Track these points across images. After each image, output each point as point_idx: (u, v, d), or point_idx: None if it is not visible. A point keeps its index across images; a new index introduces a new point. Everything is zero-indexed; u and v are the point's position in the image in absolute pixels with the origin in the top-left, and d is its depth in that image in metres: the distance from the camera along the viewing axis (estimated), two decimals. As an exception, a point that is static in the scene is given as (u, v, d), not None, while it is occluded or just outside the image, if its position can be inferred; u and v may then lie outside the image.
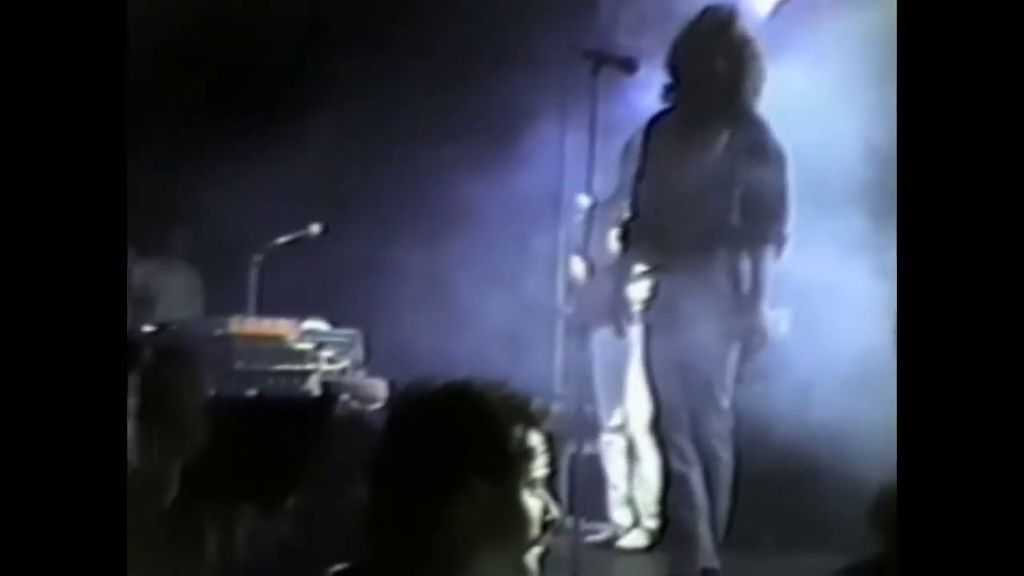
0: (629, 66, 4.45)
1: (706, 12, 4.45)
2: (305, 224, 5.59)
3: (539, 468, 2.00)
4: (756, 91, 4.37)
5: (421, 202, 6.23)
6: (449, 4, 5.91)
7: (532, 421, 2.01)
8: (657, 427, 4.48)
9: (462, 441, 1.99)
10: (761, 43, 4.42)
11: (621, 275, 4.47)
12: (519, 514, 1.98)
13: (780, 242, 4.32)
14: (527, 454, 1.99)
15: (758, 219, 4.28)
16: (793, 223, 4.32)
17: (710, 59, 4.35)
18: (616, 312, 4.51)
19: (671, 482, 4.40)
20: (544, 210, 5.07)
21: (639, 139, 4.52)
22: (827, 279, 4.51)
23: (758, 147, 4.31)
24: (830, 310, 4.60)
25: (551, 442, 2.02)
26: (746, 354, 4.33)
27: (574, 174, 4.63)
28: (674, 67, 4.42)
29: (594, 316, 4.69)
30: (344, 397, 4.51)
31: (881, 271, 4.16)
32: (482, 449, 1.99)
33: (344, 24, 6.27)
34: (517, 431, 1.99)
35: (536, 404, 2.04)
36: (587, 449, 4.94)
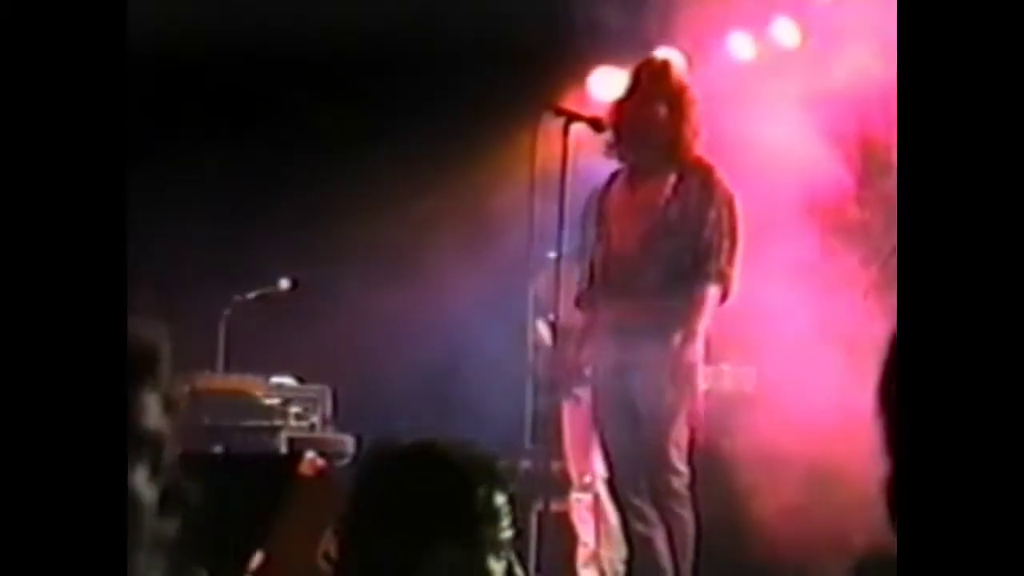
0: (597, 126, 4.50)
1: (641, 65, 4.56)
2: (274, 279, 5.58)
3: (504, 530, 2.00)
4: (696, 135, 4.44)
5: (389, 259, 6.23)
6: (424, 53, 5.91)
7: (498, 481, 2.01)
8: (614, 489, 4.49)
9: (427, 501, 1.99)
10: (694, 90, 4.51)
11: (578, 338, 4.51)
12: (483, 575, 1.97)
13: (722, 280, 4.32)
14: (492, 515, 1.98)
15: (703, 260, 4.32)
16: (736, 262, 4.34)
17: (650, 108, 4.42)
18: (572, 375, 4.56)
19: (634, 545, 4.39)
20: (514, 268, 5.05)
21: (595, 200, 4.60)
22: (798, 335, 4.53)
23: (706, 191, 4.37)
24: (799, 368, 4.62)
25: (515, 503, 2.02)
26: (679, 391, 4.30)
27: (546, 231, 4.59)
28: (616, 123, 4.49)
29: (562, 375, 4.70)
30: (310, 454, 4.47)
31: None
32: (448, 509, 1.98)
33: (314, 75, 6.25)
34: (482, 492, 1.98)
35: (502, 464, 2.04)
36: (557, 506, 4.96)
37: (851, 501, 3.73)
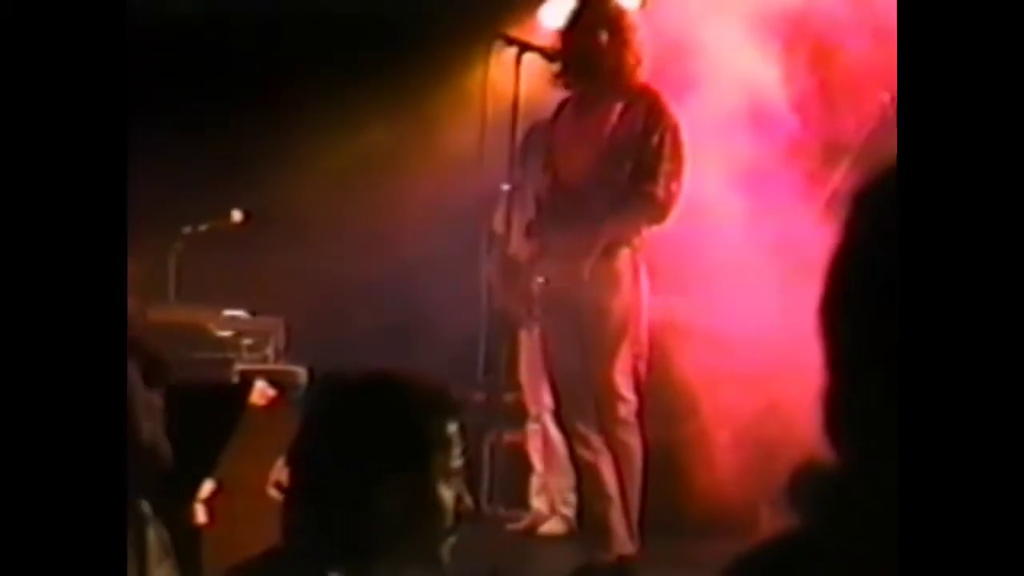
0: (550, 55, 4.52)
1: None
2: (227, 211, 5.52)
3: (455, 458, 2.02)
4: (639, 61, 4.48)
5: (342, 192, 6.16)
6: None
7: (448, 410, 2.02)
8: (559, 417, 4.53)
9: (378, 430, 2.00)
10: (636, 16, 4.55)
11: (528, 269, 4.55)
12: (434, 504, 1.99)
13: (659, 200, 4.37)
14: (443, 444, 2.00)
15: (642, 181, 4.39)
16: (676, 189, 4.38)
17: (592, 36, 4.46)
18: (524, 306, 4.59)
19: (581, 471, 4.42)
20: (467, 200, 5.03)
21: (541, 130, 4.63)
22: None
23: (651, 117, 4.41)
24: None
25: (466, 432, 2.04)
26: None
27: (501, 163, 4.58)
28: (562, 53, 4.52)
29: (514, 306, 4.72)
30: (261, 383, 4.46)
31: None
32: (398, 438, 2.00)
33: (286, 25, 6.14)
34: (433, 420, 2.00)
35: (452, 393, 2.05)
36: (511, 437, 4.98)
37: (792, 421, 3.74)
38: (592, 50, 4.45)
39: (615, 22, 4.47)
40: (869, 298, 1.17)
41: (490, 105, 4.38)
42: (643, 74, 4.48)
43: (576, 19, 4.52)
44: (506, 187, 4.61)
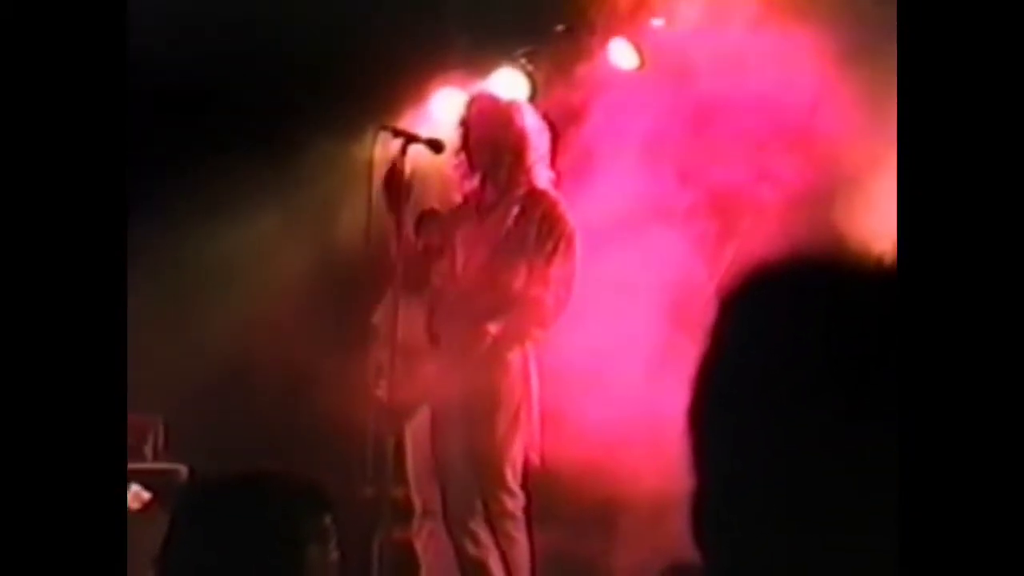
0: (436, 147, 4.53)
1: (472, 101, 4.71)
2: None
3: (330, 552, 2.01)
4: (531, 170, 4.55)
5: (225, 282, 6.07)
6: (269, 67, 5.79)
7: (322, 506, 2.03)
8: (446, 512, 4.50)
9: (252, 528, 1.99)
10: (537, 118, 4.64)
11: (418, 363, 4.56)
12: None
13: (542, 308, 4.43)
14: (318, 539, 1.99)
15: (530, 283, 4.44)
16: (565, 293, 4.45)
17: (484, 144, 4.54)
18: (413, 401, 4.60)
19: (467, 570, 4.39)
20: (355, 293, 4.96)
21: (439, 220, 4.69)
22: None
23: (546, 223, 4.46)
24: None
25: (339, 526, 2.02)
26: None
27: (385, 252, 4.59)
28: (461, 148, 4.60)
29: (404, 401, 4.67)
30: (135, 487, 4.31)
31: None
32: (272, 536, 1.99)
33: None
34: (307, 517, 1.99)
35: (326, 489, 2.05)
36: (400, 534, 4.88)
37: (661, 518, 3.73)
38: (484, 156, 4.51)
39: (505, 132, 4.52)
40: (738, 400, 1.16)
41: (376, 196, 4.40)
42: (537, 173, 4.53)
43: (468, 123, 4.59)
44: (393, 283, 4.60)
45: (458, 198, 4.68)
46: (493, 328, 4.38)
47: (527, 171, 4.51)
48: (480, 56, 5.57)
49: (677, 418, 1.19)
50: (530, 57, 5.58)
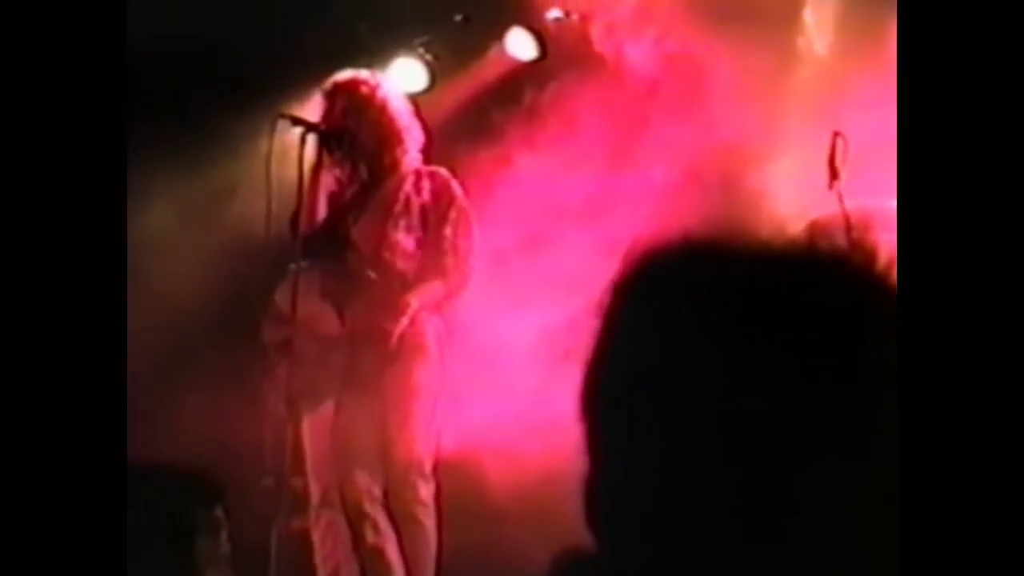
0: (337, 137, 4.56)
1: (333, 88, 4.68)
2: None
3: (222, 544, 2.03)
4: (406, 150, 4.61)
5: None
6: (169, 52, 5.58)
7: (212, 496, 1.99)
8: (344, 499, 4.48)
9: (143, 520, 1.99)
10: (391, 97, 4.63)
11: (318, 349, 4.50)
12: None
13: (458, 274, 4.48)
14: (208, 530, 2.02)
15: (439, 253, 4.45)
16: (469, 263, 4.49)
17: (348, 118, 4.55)
18: (311, 387, 4.52)
19: (365, 557, 4.36)
20: (253, 279, 4.90)
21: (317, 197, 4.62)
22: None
23: (441, 196, 4.53)
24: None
25: (229, 518, 2.05)
26: None
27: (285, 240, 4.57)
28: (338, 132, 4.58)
29: (304, 388, 4.60)
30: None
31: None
32: (163, 527, 1.94)
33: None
34: (196, 507, 2.03)
35: (215, 479, 2.13)
36: (299, 523, 4.84)
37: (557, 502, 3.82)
38: (353, 131, 4.52)
39: (363, 104, 4.55)
40: (627, 386, 1.17)
41: (275, 184, 4.33)
42: (408, 156, 4.58)
43: (329, 100, 4.59)
44: (293, 267, 4.53)
45: (338, 177, 4.67)
46: (408, 302, 4.38)
47: (406, 153, 4.58)
48: (379, 45, 5.54)
49: (573, 404, 1.20)
50: (428, 46, 5.56)
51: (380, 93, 4.61)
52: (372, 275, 4.45)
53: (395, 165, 4.56)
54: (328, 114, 4.57)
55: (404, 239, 4.50)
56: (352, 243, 4.54)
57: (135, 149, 5.30)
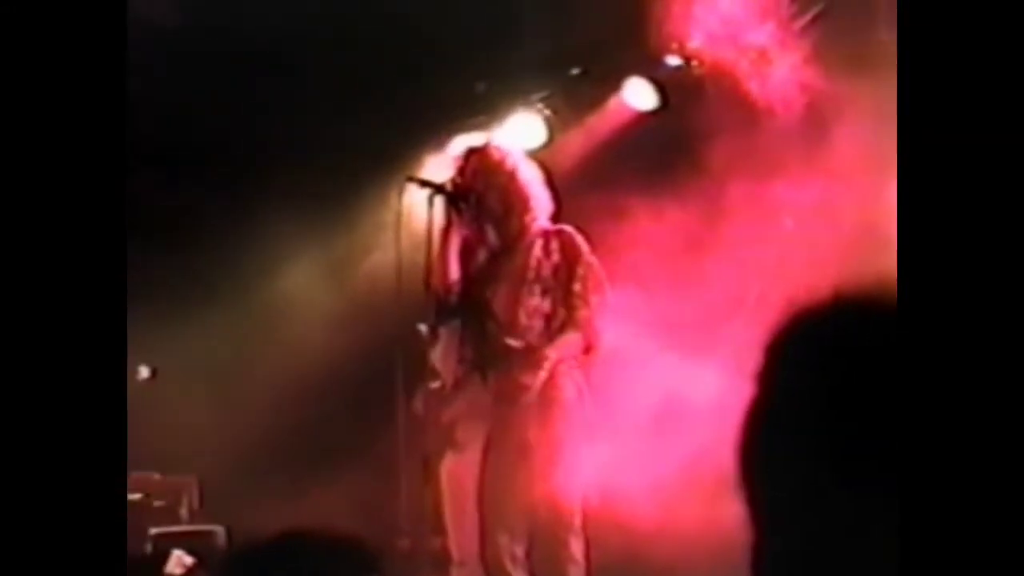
0: (464, 197, 4.56)
1: (467, 155, 4.71)
2: (133, 367, 5.42)
3: None
4: (535, 217, 4.61)
5: (252, 340, 6.05)
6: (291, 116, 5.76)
7: (364, 565, 1.99)
8: (484, 559, 4.47)
9: None
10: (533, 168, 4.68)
11: (455, 410, 4.53)
12: None
13: (589, 328, 4.47)
14: None
15: (571, 307, 4.48)
16: (602, 319, 4.46)
17: (477, 180, 4.58)
18: (448, 447, 4.54)
19: None
20: (383, 342, 4.79)
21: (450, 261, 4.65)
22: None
23: (568, 252, 4.57)
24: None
25: None
26: None
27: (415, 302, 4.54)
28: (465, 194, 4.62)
29: (442, 447, 4.62)
30: (177, 552, 4.25)
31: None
32: None
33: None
34: (352, 574, 1.98)
35: (367, 546, 2.04)
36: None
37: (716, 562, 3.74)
38: (482, 194, 4.55)
39: (492, 169, 4.58)
40: (787, 448, 1.15)
41: (405, 247, 4.41)
42: (535, 224, 4.59)
43: (461, 164, 4.63)
44: (423, 327, 4.56)
45: (466, 237, 4.68)
46: (546, 355, 4.41)
47: (535, 220, 4.62)
48: (498, 102, 5.58)
49: (731, 467, 1.16)
50: (547, 101, 5.58)
51: (510, 161, 4.68)
52: (513, 343, 4.48)
53: (523, 231, 4.62)
54: (459, 176, 4.64)
55: (540, 303, 4.54)
56: (491, 314, 4.58)
57: (274, 213, 5.71)
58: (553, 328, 4.50)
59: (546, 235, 4.61)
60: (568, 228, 4.64)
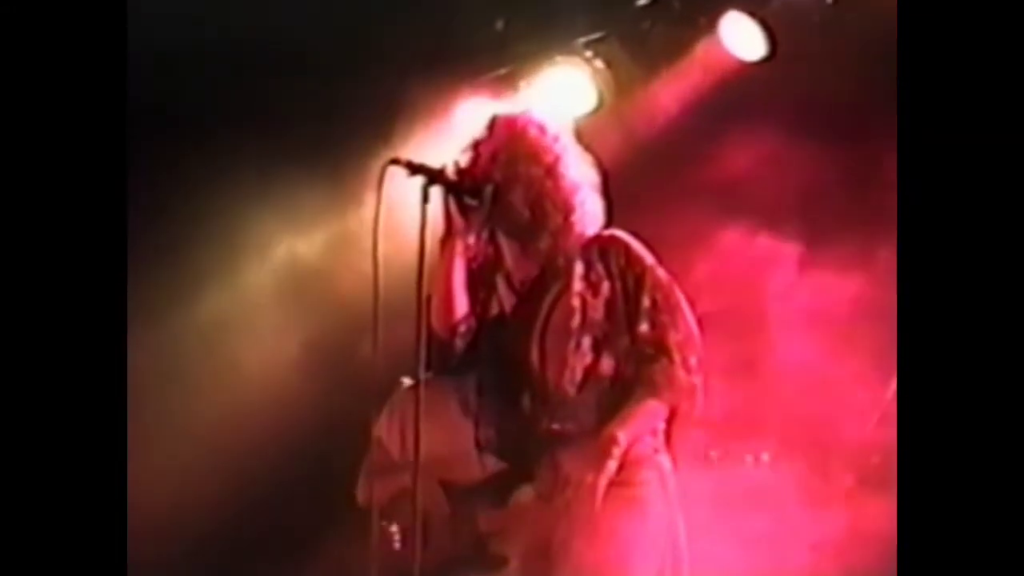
0: (475, 197, 3.60)
1: (495, 123, 3.76)
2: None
3: None
4: (570, 211, 3.67)
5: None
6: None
7: None
8: None
9: None
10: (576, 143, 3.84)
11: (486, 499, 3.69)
12: None
13: (672, 382, 3.63)
14: None
15: (640, 360, 3.64)
16: (693, 357, 3.72)
17: (503, 170, 3.66)
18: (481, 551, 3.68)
19: None
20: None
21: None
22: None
23: (629, 276, 3.70)
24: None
25: None
26: None
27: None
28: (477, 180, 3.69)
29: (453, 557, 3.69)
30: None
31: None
32: None
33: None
34: None
35: None
36: None
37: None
38: (501, 187, 3.62)
39: (526, 153, 3.67)
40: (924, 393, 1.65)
41: (388, 264, 3.38)
42: (576, 232, 3.67)
43: (477, 140, 3.72)
44: (408, 381, 3.58)
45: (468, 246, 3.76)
46: (614, 438, 3.49)
47: (577, 232, 3.68)
48: (527, 47, 4.68)
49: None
50: (598, 47, 4.74)
51: (553, 144, 3.70)
52: (557, 427, 3.59)
53: (554, 251, 3.68)
54: (468, 159, 3.67)
55: (595, 361, 3.66)
56: (526, 382, 3.65)
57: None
58: (617, 392, 3.60)
59: (588, 254, 3.70)
60: (620, 234, 3.75)
